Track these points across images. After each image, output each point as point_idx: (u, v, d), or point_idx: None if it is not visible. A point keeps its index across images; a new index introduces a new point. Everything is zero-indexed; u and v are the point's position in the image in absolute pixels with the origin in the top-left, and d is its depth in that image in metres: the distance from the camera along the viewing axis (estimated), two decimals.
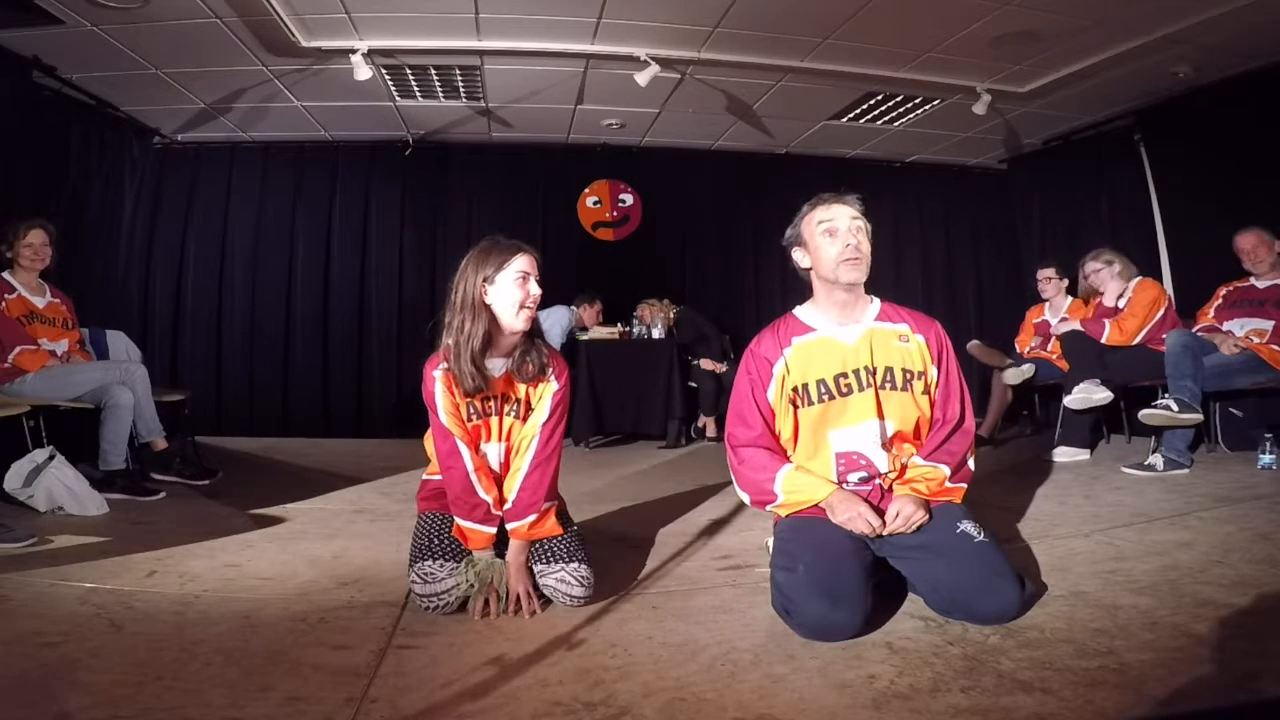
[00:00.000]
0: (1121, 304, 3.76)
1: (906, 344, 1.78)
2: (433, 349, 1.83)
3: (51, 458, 2.70)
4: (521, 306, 1.75)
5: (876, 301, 1.84)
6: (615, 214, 5.68)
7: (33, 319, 3.15)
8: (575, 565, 1.74)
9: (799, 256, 1.84)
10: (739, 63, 4.03)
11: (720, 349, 4.96)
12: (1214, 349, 3.21)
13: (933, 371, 1.78)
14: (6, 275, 3.13)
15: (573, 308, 5.01)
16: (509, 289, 1.74)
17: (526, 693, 1.30)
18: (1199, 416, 3.07)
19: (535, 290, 1.76)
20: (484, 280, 1.74)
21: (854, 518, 1.64)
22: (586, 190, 5.63)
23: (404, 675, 1.38)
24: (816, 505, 1.70)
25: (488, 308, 1.75)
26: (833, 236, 1.75)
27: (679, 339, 4.92)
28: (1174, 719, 1.19)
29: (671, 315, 5.02)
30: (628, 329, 4.98)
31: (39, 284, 3.24)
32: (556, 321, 4.85)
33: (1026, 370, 4.09)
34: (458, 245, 4.89)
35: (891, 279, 5.80)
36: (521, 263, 1.75)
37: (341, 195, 5.41)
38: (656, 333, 4.92)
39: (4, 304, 3.06)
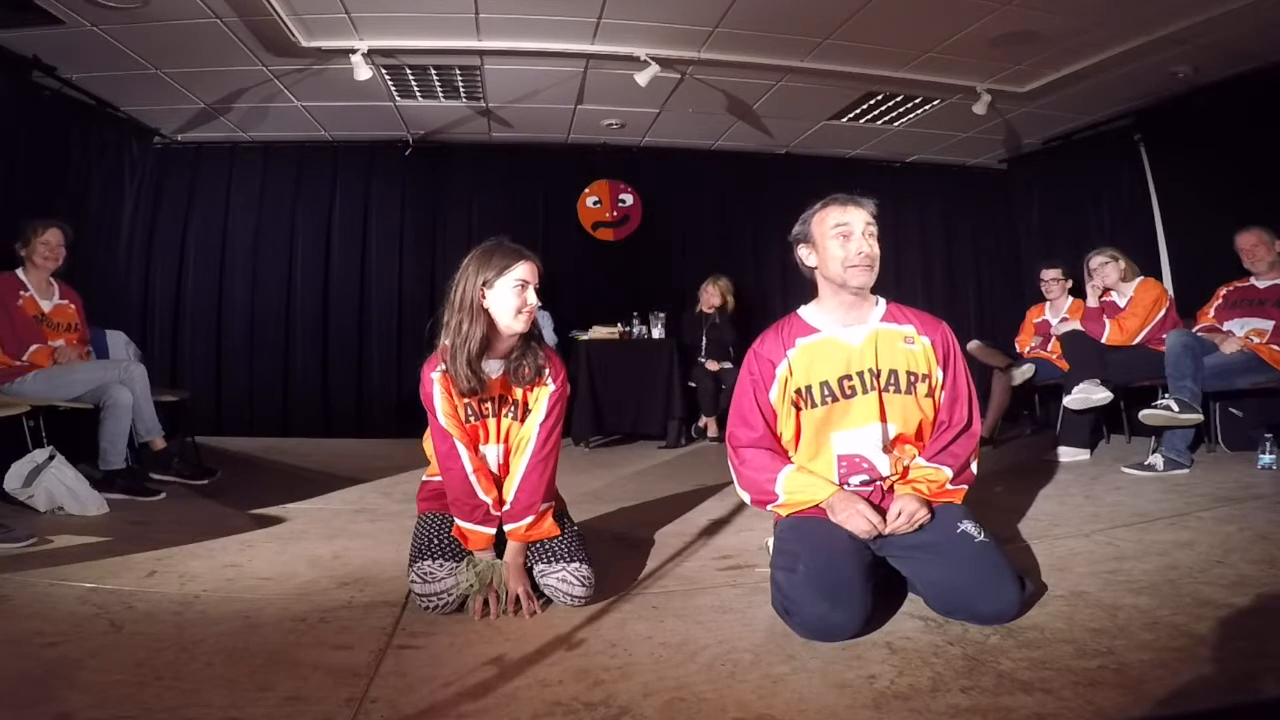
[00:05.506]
0: (1123, 303, 3.76)
1: (912, 346, 1.76)
2: (432, 348, 1.83)
3: (51, 458, 2.70)
4: (518, 313, 1.74)
5: (882, 302, 1.83)
6: (615, 214, 5.67)
7: (40, 322, 3.15)
8: (576, 565, 1.74)
9: (804, 254, 1.81)
10: (739, 63, 4.03)
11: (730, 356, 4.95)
12: (1214, 349, 3.21)
13: (938, 374, 1.76)
14: (20, 274, 3.15)
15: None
16: (507, 295, 1.74)
17: (526, 693, 1.30)
18: (1199, 417, 3.07)
19: (533, 299, 1.76)
20: (483, 284, 1.74)
21: (853, 516, 1.64)
22: (586, 190, 5.62)
23: (404, 675, 1.38)
24: (817, 505, 1.70)
25: (485, 311, 1.74)
26: (846, 240, 1.72)
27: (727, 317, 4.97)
28: (1174, 719, 1.19)
29: (730, 295, 5.08)
30: (628, 329, 4.98)
31: (49, 285, 3.24)
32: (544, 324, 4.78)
33: (1027, 370, 4.10)
34: (458, 245, 4.90)
35: (892, 279, 5.79)
36: (522, 270, 1.75)
37: (341, 195, 5.40)
38: (656, 333, 4.92)
39: (21, 301, 3.09)
